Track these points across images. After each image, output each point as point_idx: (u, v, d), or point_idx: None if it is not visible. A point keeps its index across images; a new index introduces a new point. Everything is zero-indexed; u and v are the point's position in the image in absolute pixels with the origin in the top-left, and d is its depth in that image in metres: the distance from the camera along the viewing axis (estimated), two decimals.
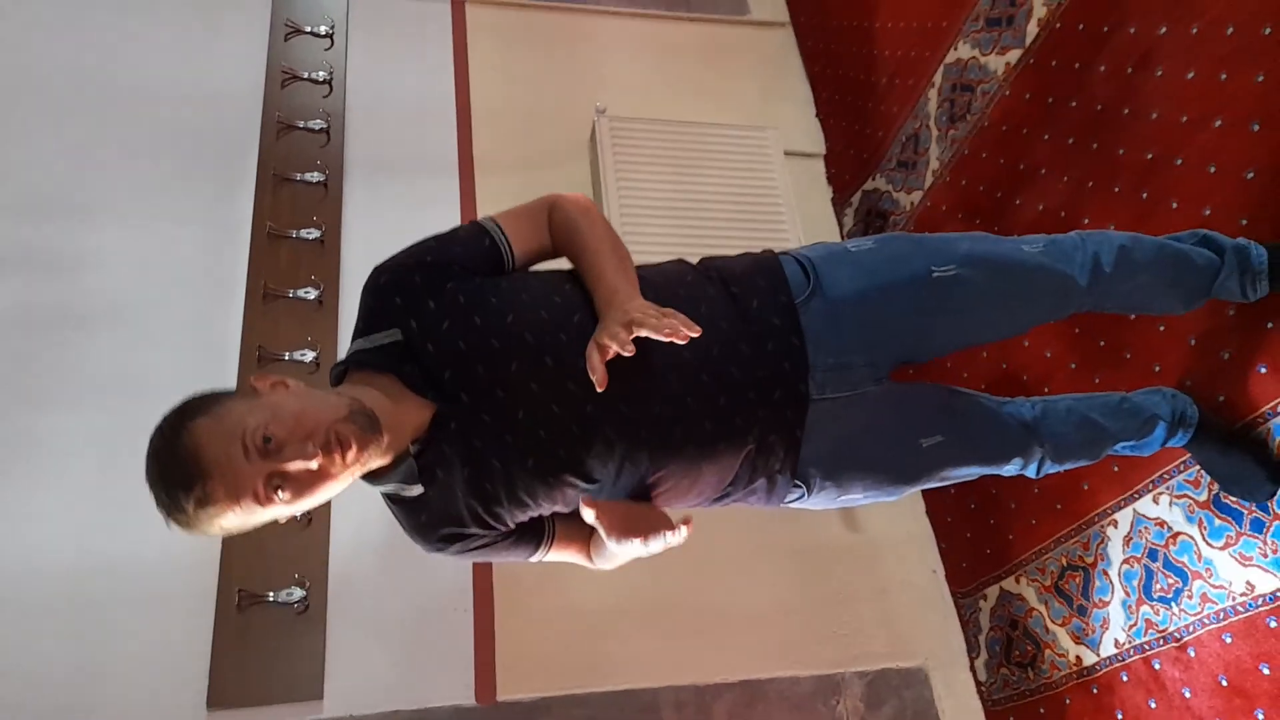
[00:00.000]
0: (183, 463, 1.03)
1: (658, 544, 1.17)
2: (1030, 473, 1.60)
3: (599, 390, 1.12)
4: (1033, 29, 2.40)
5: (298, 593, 2.15)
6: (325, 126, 2.82)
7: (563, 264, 1.32)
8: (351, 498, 2.26)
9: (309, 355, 2.43)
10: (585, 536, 1.37)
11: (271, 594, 2.13)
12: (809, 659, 2.40)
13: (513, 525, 1.27)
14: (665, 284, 1.28)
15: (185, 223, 2.58)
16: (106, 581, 2.09)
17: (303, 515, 2.21)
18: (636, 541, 1.17)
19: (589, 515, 1.15)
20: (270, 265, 2.56)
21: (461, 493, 1.20)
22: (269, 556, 2.18)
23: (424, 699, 2.12)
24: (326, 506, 2.26)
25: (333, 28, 2.99)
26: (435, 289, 1.20)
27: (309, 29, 2.96)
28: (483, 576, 2.29)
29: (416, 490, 1.21)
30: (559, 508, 1.28)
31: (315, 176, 2.73)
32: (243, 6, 2.96)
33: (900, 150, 2.97)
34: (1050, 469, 1.62)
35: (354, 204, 2.74)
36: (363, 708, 2.08)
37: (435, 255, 1.23)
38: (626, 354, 1.08)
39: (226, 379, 2.32)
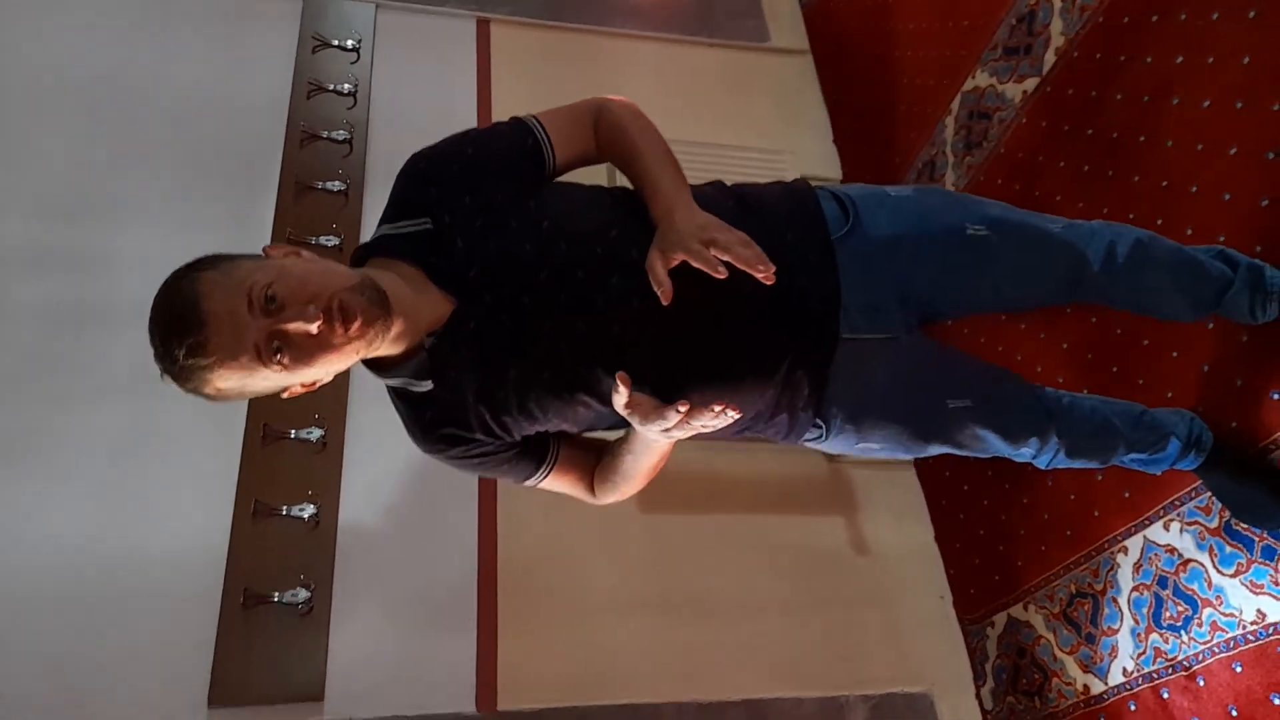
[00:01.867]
0: (181, 310, 1.00)
1: (702, 419, 1.08)
2: (1041, 462, 1.58)
3: (664, 303, 1.07)
4: (1050, 58, 2.42)
5: (303, 594, 2.15)
6: (348, 137, 2.87)
7: (597, 178, 1.28)
8: (359, 502, 2.29)
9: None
10: (589, 465, 1.34)
11: (277, 594, 2.13)
12: (813, 680, 2.38)
13: (518, 438, 1.23)
14: (706, 209, 1.19)
15: (209, 227, 2.61)
16: (113, 577, 2.09)
17: (311, 517, 2.23)
18: (680, 412, 1.07)
19: (620, 396, 1.08)
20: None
21: (472, 396, 1.16)
22: (275, 557, 2.18)
23: (425, 705, 2.11)
24: (334, 507, 2.27)
25: (359, 42, 3.04)
26: (473, 184, 1.16)
27: (336, 42, 3.02)
28: (487, 585, 2.28)
29: (426, 386, 1.17)
30: (568, 427, 1.24)
31: (337, 185, 2.77)
32: (272, 20, 3.01)
33: (916, 177, 2.99)
34: (1060, 463, 1.60)
35: (373, 213, 2.72)
36: (363, 711, 2.07)
37: (476, 148, 1.19)
38: (719, 276, 1.04)
39: None
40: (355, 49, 3.05)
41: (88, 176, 2.60)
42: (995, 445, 1.49)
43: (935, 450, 1.46)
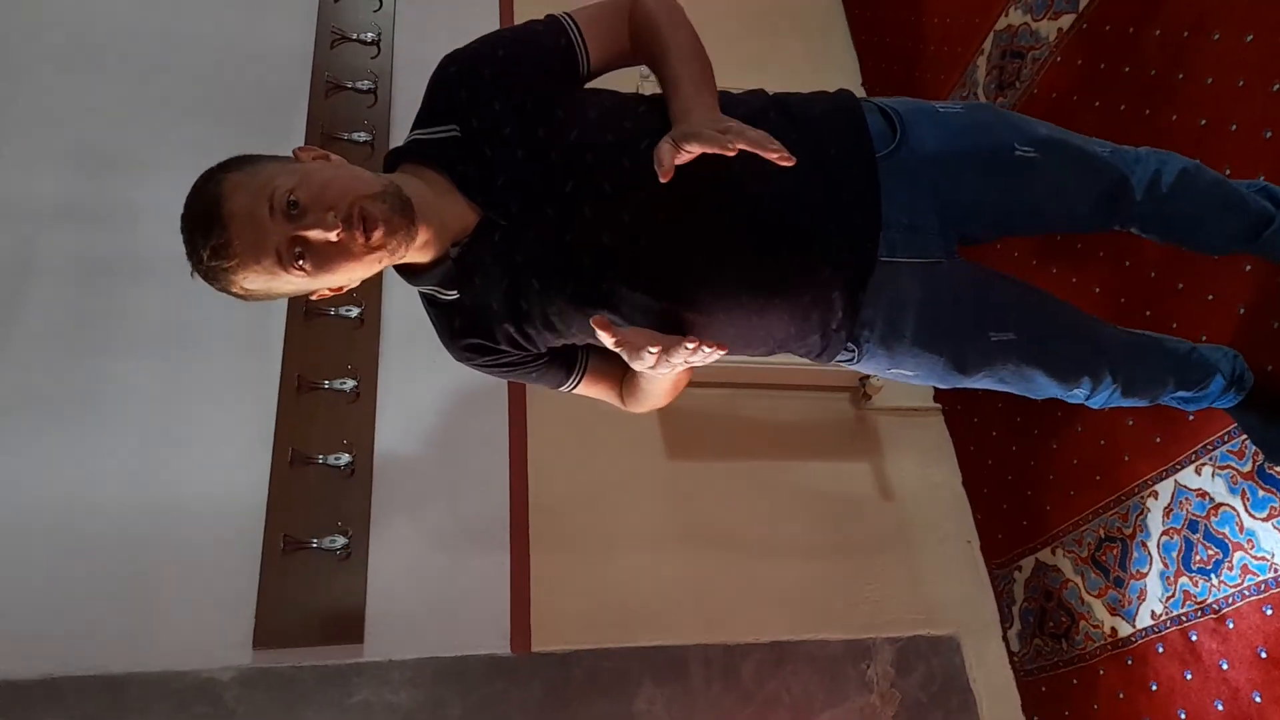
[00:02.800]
0: (206, 210, 1.02)
1: (678, 356, 1.05)
2: (1096, 402, 1.51)
3: (662, 180, 1.02)
4: None
5: (340, 540, 2.20)
6: (373, 87, 2.85)
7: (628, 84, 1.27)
8: (392, 451, 2.33)
9: (355, 311, 2.48)
10: (618, 374, 1.33)
11: (315, 540, 2.19)
12: (840, 623, 2.42)
13: (543, 349, 1.23)
14: (746, 117, 1.12)
15: None
16: (158, 524, 2.15)
17: (346, 465, 2.27)
18: (652, 354, 1.06)
19: (606, 338, 1.07)
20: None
21: (496, 305, 1.16)
22: (313, 504, 2.23)
23: (460, 647, 2.17)
24: (369, 457, 2.31)
25: None
26: (503, 88, 1.14)
27: None
28: (519, 529, 2.33)
29: (452, 295, 1.18)
30: (593, 340, 1.21)
31: (362, 136, 2.76)
32: None
33: None
34: (1115, 401, 1.52)
35: None
36: (401, 653, 2.13)
37: (508, 49, 1.17)
38: (729, 153, 0.99)
39: (273, 328, 2.37)
40: None
41: (115, 131, 2.61)
42: (1043, 384, 1.42)
43: (977, 382, 1.39)
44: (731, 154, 0.99)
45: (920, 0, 3.09)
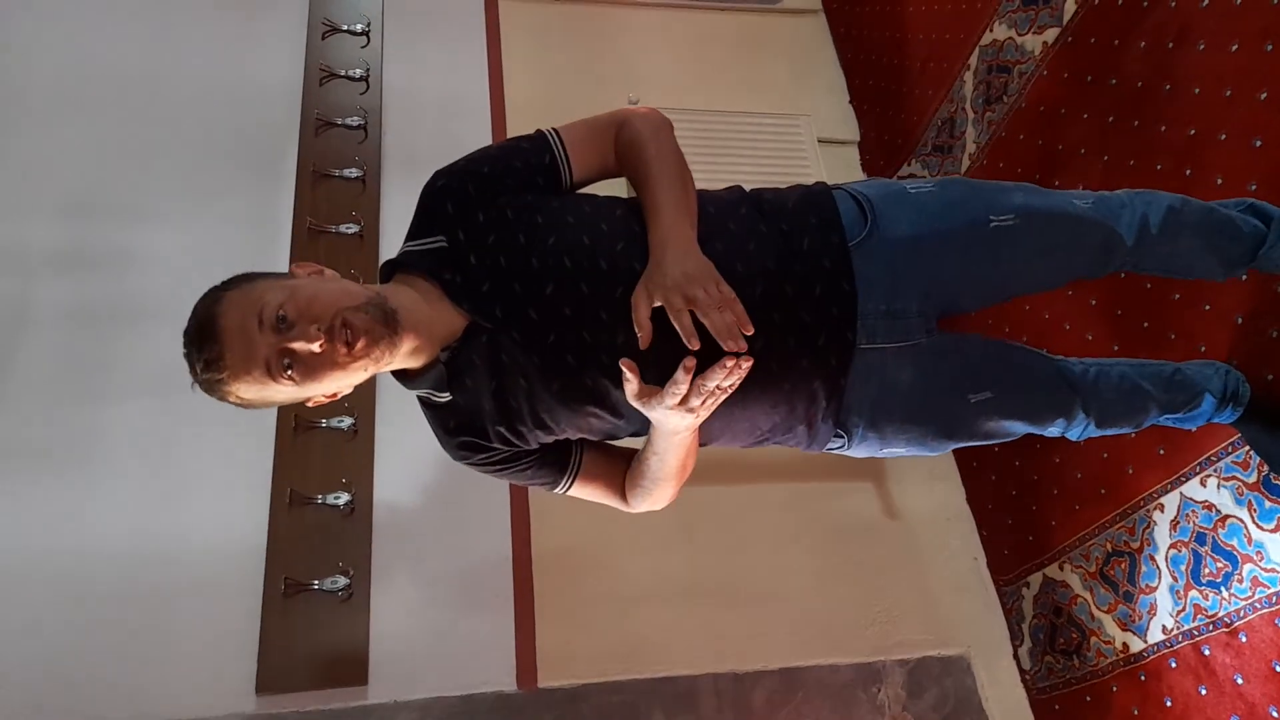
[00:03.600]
0: (203, 326, 1.09)
1: (712, 379, 1.07)
2: (1072, 435, 1.55)
3: (641, 347, 1.09)
4: (1070, 6, 2.36)
5: (342, 581, 2.18)
6: (363, 123, 2.86)
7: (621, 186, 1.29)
8: (392, 488, 2.31)
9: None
10: (618, 472, 1.35)
11: (316, 582, 2.17)
12: (849, 647, 2.40)
13: (536, 446, 1.26)
14: (718, 215, 1.23)
15: (228, 220, 2.62)
16: (158, 570, 2.14)
17: (346, 505, 2.26)
18: (675, 392, 1.08)
19: (630, 385, 1.10)
20: (311, 260, 2.60)
21: (487, 405, 1.20)
22: (313, 545, 2.22)
23: (467, 685, 2.15)
24: (368, 495, 2.30)
25: (369, 25, 3.03)
26: (487, 201, 1.20)
27: (345, 27, 3.00)
28: (523, 564, 2.31)
29: (445, 397, 1.22)
30: (585, 435, 1.27)
31: (353, 172, 2.77)
32: (280, 6, 3.00)
33: (936, 135, 2.94)
34: (1092, 433, 1.57)
35: (391, 198, 2.77)
36: (407, 694, 2.11)
37: (493, 166, 1.23)
38: (691, 347, 1.05)
39: None
40: (365, 32, 3.03)
41: (106, 175, 2.62)
42: (1020, 429, 1.47)
43: (961, 445, 1.45)
44: (694, 347, 1.06)
45: (905, 17, 3.11)
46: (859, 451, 1.38)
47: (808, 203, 1.29)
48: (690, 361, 1.06)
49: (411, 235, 1.25)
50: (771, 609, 2.40)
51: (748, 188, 1.34)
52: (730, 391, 1.11)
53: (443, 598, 2.24)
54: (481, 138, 2.95)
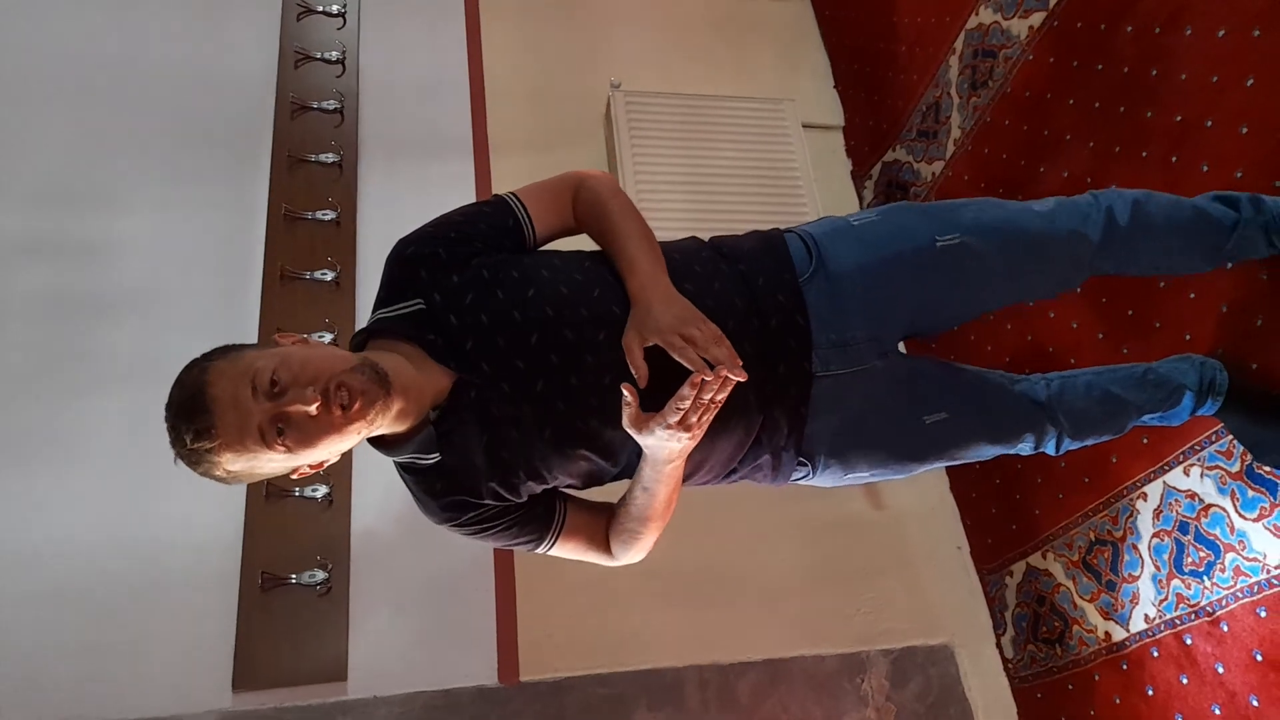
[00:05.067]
0: (190, 396, 1.06)
1: (707, 394, 1.09)
2: (1049, 450, 1.59)
3: (640, 386, 1.12)
4: None
5: (320, 574, 2.15)
6: (339, 106, 2.80)
7: (582, 241, 1.32)
8: (372, 480, 2.28)
9: (327, 337, 2.43)
10: (599, 525, 1.36)
11: (294, 576, 2.13)
12: (833, 637, 2.39)
13: (525, 499, 1.26)
14: (684, 261, 1.29)
15: (203, 207, 2.57)
16: (132, 565, 2.10)
17: (324, 497, 2.23)
18: (679, 408, 1.09)
19: (629, 409, 1.12)
20: (287, 248, 2.55)
21: (479, 461, 1.20)
22: (291, 539, 2.18)
23: (447, 680, 2.12)
24: (347, 489, 2.26)
25: (344, 7, 2.96)
26: (459, 262, 1.22)
27: (320, 8, 2.94)
28: (504, 557, 2.28)
29: (434, 458, 1.21)
30: (575, 482, 1.29)
31: (330, 157, 2.71)
32: None
33: (921, 120, 2.91)
34: (1070, 446, 1.60)
35: (369, 184, 2.72)
36: (386, 689, 2.09)
37: (459, 231, 1.25)
38: (705, 378, 1.07)
39: None
40: (341, 14, 2.97)
41: (79, 163, 2.55)
42: (987, 449, 1.50)
43: (930, 468, 1.48)
44: (708, 378, 1.07)
45: (890, 1, 3.07)
46: (824, 480, 1.41)
47: (762, 245, 1.36)
48: (698, 377, 1.08)
49: (382, 303, 1.25)
50: (756, 600, 2.39)
51: (704, 238, 1.39)
52: (719, 405, 1.12)
53: (423, 591, 2.21)
54: (461, 121, 2.90)
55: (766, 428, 1.29)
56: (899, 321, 1.37)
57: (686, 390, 1.08)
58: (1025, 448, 1.56)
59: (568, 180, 1.32)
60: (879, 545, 2.55)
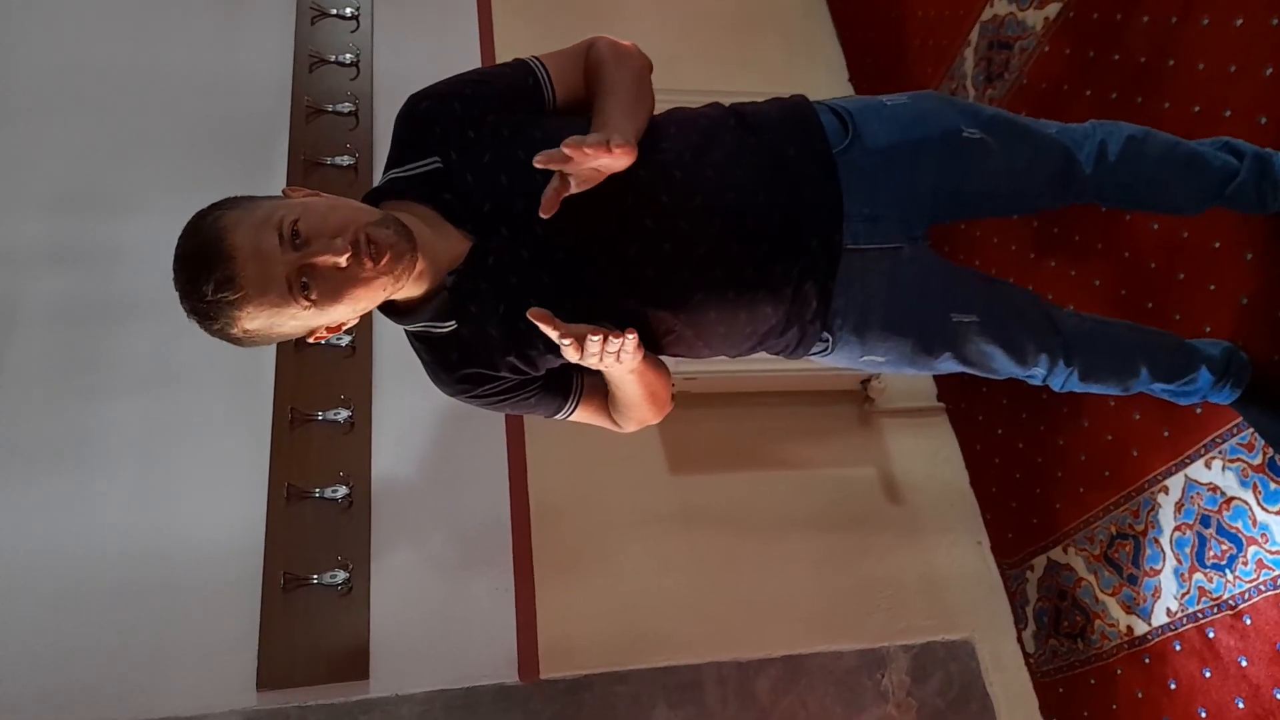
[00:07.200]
0: (207, 245, 0.98)
1: (613, 345, 1.09)
2: (1055, 383, 1.54)
3: (543, 216, 1.06)
4: None
5: (341, 574, 2.17)
6: (354, 109, 2.82)
7: None
8: (390, 481, 2.30)
9: (345, 339, 2.44)
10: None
11: (315, 576, 2.16)
12: (852, 633, 2.39)
13: (543, 371, 1.24)
14: (709, 127, 1.24)
15: None
16: (156, 567, 2.12)
17: (344, 498, 2.25)
18: (595, 341, 1.09)
19: (547, 330, 1.07)
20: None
21: (495, 331, 1.17)
22: (311, 539, 2.20)
23: (468, 677, 2.14)
24: (366, 488, 2.28)
25: (358, 9, 2.98)
26: (475, 119, 1.16)
27: (334, 11, 2.95)
28: (523, 555, 2.29)
29: (449, 326, 1.17)
30: None
31: (345, 160, 2.73)
32: None
33: None
34: (1074, 386, 1.56)
35: None
36: (408, 687, 2.10)
37: (475, 87, 1.19)
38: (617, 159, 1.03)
39: (264, 362, 2.34)
40: (354, 16, 2.98)
41: (96, 170, 2.58)
42: (1003, 362, 1.45)
43: (942, 365, 1.42)
44: (621, 159, 1.03)
45: None
46: (840, 357, 1.38)
47: (792, 114, 1.32)
48: (598, 335, 1.07)
49: (395, 162, 1.19)
50: (774, 596, 2.39)
51: (725, 103, 1.35)
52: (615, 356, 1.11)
53: (443, 590, 2.23)
54: None
55: (796, 302, 1.26)
56: (924, 205, 1.35)
57: (592, 340, 1.07)
58: (1038, 370, 1.50)
59: (584, 42, 1.28)
60: (898, 541, 2.54)
